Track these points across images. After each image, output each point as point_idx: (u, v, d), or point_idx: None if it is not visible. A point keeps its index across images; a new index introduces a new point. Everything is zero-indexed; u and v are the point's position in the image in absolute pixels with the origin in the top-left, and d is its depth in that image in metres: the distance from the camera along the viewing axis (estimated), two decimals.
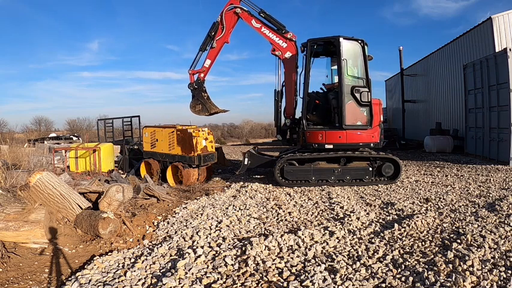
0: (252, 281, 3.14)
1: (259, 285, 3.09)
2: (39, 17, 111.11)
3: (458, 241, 3.81)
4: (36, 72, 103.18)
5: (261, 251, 3.77)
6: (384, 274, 3.16)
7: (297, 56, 8.33)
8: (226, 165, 12.03)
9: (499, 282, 2.88)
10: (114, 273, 3.36)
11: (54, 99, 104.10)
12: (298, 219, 5.24)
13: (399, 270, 3.23)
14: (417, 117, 21.89)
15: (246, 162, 8.42)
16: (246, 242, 3.99)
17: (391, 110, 26.75)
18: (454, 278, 2.91)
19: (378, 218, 5.09)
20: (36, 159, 9.92)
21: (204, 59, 8.84)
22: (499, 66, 10.04)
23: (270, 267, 3.40)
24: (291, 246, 3.95)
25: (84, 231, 4.48)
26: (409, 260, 3.44)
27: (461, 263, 3.22)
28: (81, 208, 4.75)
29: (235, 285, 3.07)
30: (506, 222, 4.46)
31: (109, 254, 3.92)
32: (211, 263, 3.53)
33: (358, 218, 4.95)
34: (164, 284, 3.04)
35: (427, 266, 3.25)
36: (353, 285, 2.98)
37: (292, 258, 3.61)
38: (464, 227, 4.38)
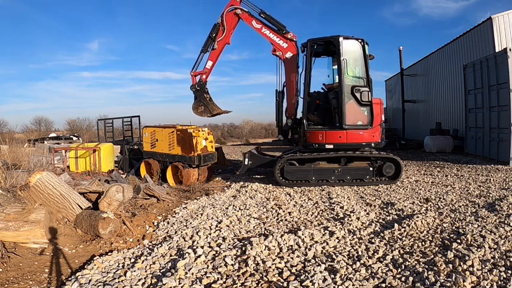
0: (252, 281, 3.14)
1: (259, 285, 3.09)
2: (39, 17, 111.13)
3: (458, 241, 3.81)
4: (36, 72, 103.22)
5: (261, 251, 3.77)
6: (383, 274, 3.16)
7: (297, 56, 8.34)
8: (226, 165, 12.03)
9: (499, 282, 2.88)
10: (114, 273, 3.36)
11: (54, 99, 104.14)
12: (298, 219, 5.24)
13: (399, 270, 3.23)
14: (417, 117, 21.89)
15: (246, 163, 8.43)
16: (246, 242, 4.00)
17: (391, 110, 26.76)
18: (454, 278, 2.91)
19: (378, 218, 5.09)
20: (36, 159, 9.92)
21: (206, 60, 8.87)
22: (499, 66, 10.04)
23: (270, 267, 3.40)
24: (291, 246, 3.95)
25: (84, 231, 4.48)
26: (409, 260, 3.44)
27: (461, 263, 3.22)
28: (81, 208, 4.75)
29: (235, 285, 3.07)
30: (506, 222, 4.46)
31: (109, 254, 3.92)
32: (211, 263, 3.53)
33: (358, 218, 4.95)
34: (164, 284, 3.04)
35: (427, 266, 3.25)
36: (353, 285, 2.98)
37: (292, 258, 3.61)
38: (464, 227, 4.38)
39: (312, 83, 9.01)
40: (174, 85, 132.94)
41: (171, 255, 3.80)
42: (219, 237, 4.35)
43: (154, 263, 3.57)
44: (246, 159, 8.44)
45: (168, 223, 5.14)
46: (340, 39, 7.62)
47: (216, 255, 3.74)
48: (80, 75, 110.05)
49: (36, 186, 4.60)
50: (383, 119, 8.09)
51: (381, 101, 8.06)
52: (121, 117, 14.18)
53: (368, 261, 3.45)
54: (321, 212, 5.61)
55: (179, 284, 3.07)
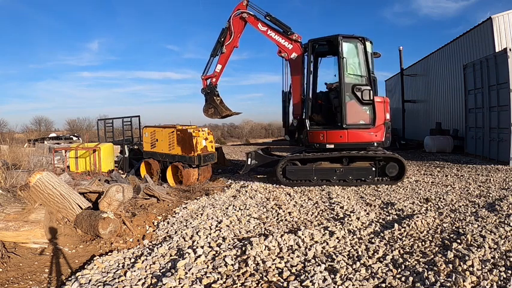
0: (252, 281, 3.14)
1: (259, 285, 3.09)
2: (39, 17, 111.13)
3: (458, 241, 3.81)
4: (36, 72, 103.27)
5: (261, 251, 3.77)
6: (383, 274, 3.16)
7: (302, 57, 8.36)
8: (226, 165, 12.03)
9: (499, 282, 2.88)
10: (114, 273, 3.36)
11: (54, 99, 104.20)
12: (298, 219, 5.24)
13: (399, 270, 3.23)
14: (417, 117, 21.89)
15: (249, 162, 8.46)
16: (246, 242, 4.00)
17: (391, 110, 26.71)
18: (454, 278, 2.91)
19: (377, 218, 5.09)
20: (36, 159, 9.92)
21: (215, 64, 9.04)
22: (499, 66, 10.03)
23: (270, 267, 3.40)
24: (291, 246, 3.95)
25: (84, 231, 4.48)
26: (409, 260, 3.44)
27: (461, 263, 3.22)
28: (81, 208, 4.75)
29: (235, 285, 3.07)
30: (506, 222, 4.46)
31: (109, 254, 3.92)
32: (211, 263, 3.54)
33: (358, 218, 4.95)
34: (164, 284, 3.04)
35: (427, 266, 3.25)
36: (353, 285, 2.98)
37: (292, 258, 3.61)
38: (464, 227, 4.38)
39: (319, 83, 8.98)
40: (174, 85, 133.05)
41: (171, 255, 3.80)
42: (219, 237, 4.35)
43: (154, 263, 3.57)
44: (249, 159, 8.47)
45: (168, 223, 5.14)
46: (339, 38, 7.61)
47: (216, 255, 3.74)
48: (80, 75, 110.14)
49: (36, 186, 4.60)
50: (388, 117, 7.95)
51: (384, 100, 7.97)
52: (121, 117, 14.16)
53: (368, 261, 3.45)
54: (321, 212, 5.61)
55: (179, 284, 3.07)
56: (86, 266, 3.55)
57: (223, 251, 3.82)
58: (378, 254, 3.64)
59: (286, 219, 5.23)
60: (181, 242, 4.24)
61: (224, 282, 3.12)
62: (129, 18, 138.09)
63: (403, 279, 3.04)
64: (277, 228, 4.76)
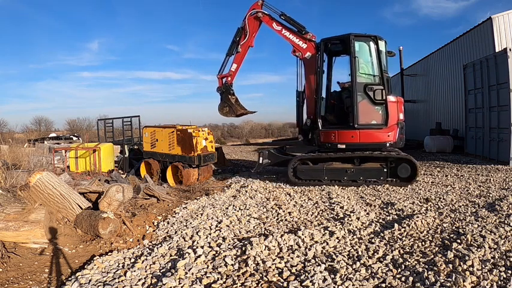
0: (252, 281, 3.14)
1: (259, 285, 3.09)
2: (39, 17, 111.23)
3: (458, 241, 3.81)
4: (36, 72, 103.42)
5: (261, 251, 3.77)
6: (383, 274, 3.16)
7: (317, 56, 8.32)
8: (226, 165, 12.03)
9: (499, 282, 2.88)
10: (114, 273, 3.36)
11: (54, 99, 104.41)
12: (298, 219, 5.24)
13: (399, 270, 3.23)
14: (417, 117, 21.87)
15: (261, 161, 8.48)
16: (246, 242, 3.99)
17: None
18: (454, 278, 2.91)
19: (377, 218, 5.09)
20: (36, 159, 9.92)
21: (231, 63, 9.07)
22: (499, 66, 10.03)
23: (270, 267, 3.40)
24: (291, 246, 3.95)
25: (84, 231, 4.48)
26: (409, 260, 3.44)
27: (461, 263, 3.21)
28: (81, 208, 4.75)
29: (235, 285, 3.07)
30: (506, 222, 4.45)
31: (109, 254, 3.92)
32: (211, 263, 3.53)
33: (358, 218, 4.95)
34: (164, 284, 3.04)
35: (427, 266, 3.25)
36: (353, 285, 2.98)
37: (292, 258, 3.61)
38: (464, 227, 4.38)
39: (334, 82, 8.90)
40: (174, 85, 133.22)
41: (171, 255, 3.80)
42: (219, 237, 4.35)
43: (154, 263, 3.57)
44: (261, 158, 8.47)
45: (168, 223, 5.14)
46: (351, 37, 7.52)
47: (216, 255, 3.74)
48: (80, 75, 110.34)
49: (36, 186, 4.60)
50: (402, 118, 7.83)
51: (398, 100, 7.87)
52: (121, 117, 14.18)
53: (368, 261, 3.45)
54: (321, 212, 5.61)
55: (179, 284, 3.07)
56: (86, 266, 3.55)
57: (223, 251, 3.82)
58: (378, 254, 3.64)
59: (286, 219, 5.23)
60: (181, 242, 4.24)
61: (224, 282, 3.12)
62: (129, 18, 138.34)
63: (403, 279, 3.04)
64: (277, 228, 4.76)
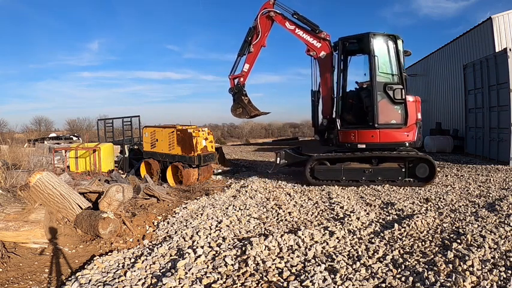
0: (252, 281, 3.14)
1: (259, 285, 3.09)
2: (39, 17, 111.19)
3: (458, 241, 3.81)
4: (37, 72, 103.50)
5: (261, 251, 3.77)
6: (383, 274, 3.16)
7: (332, 55, 8.27)
8: (226, 165, 12.03)
9: (499, 282, 2.88)
10: (114, 273, 3.36)
11: (54, 99, 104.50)
12: (298, 219, 5.24)
13: (399, 270, 3.23)
14: None
15: (278, 161, 8.46)
16: (246, 242, 3.99)
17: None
18: (454, 278, 2.91)
19: (377, 218, 5.09)
20: (36, 159, 9.92)
21: (243, 63, 8.96)
22: (499, 66, 10.03)
23: (270, 267, 3.40)
24: (291, 246, 3.95)
25: (84, 231, 4.48)
26: (409, 260, 3.44)
27: (461, 263, 3.21)
28: (81, 208, 4.75)
29: (235, 285, 3.07)
30: (506, 222, 4.45)
31: (109, 254, 3.92)
32: (211, 263, 3.53)
33: (358, 218, 4.95)
34: (164, 284, 3.04)
35: (427, 266, 3.25)
36: (353, 285, 2.98)
37: (292, 258, 3.61)
38: (464, 227, 4.38)
39: (348, 82, 8.80)
40: (174, 85, 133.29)
41: (171, 255, 3.80)
42: (219, 237, 4.35)
43: (154, 263, 3.57)
44: (278, 158, 8.46)
45: (168, 223, 5.14)
46: (371, 36, 7.47)
47: (216, 255, 3.74)
48: (80, 75, 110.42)
49: (36, 186, 4.60)
50: (419, 117, 7.83)
51: (416, 99, 7.84)
52: (121, 117, 14.17)
53: (368, 261, 3.45)
54: (321, 212, 5.61)
55: (179, 284, 3.07)
56: (86, 266, 3.55)
57: (223, 251, 3.82)
58: (378, 254, 3.64)
59: (286, 219, 5.23)
60: (181, 242, 4.24)
61: (224, 282, 3.12)
62: (129, 18, 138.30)
63: (403, 279, 3.04)
64: (277, 228, 4.76)
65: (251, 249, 3.75)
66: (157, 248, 3.94)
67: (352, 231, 4.46)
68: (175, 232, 4.68)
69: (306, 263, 3.49)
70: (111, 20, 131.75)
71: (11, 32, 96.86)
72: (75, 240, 4.30)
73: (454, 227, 4.42)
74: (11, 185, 5.96)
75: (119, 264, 3.61)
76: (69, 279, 3.28)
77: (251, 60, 8.91)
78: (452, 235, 4.09)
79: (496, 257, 3.35)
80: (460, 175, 8.61)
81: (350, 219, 4.91)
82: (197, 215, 5.48)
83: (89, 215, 4.51)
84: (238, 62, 9.01)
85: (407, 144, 7.66)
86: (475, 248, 3.56)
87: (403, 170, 7.52)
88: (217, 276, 3.23)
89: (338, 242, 4.08)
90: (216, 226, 4.85)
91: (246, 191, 7.35)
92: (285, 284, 3.05)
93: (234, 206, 6.01)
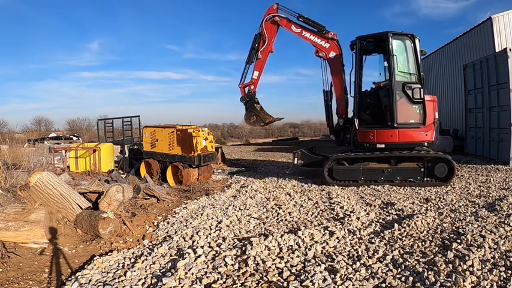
0: (252, 281, 3.14)
1: (259, 285, 3.09)
2: (39, 17, 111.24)
3: (458, 241, 3.81)
4: (37, 72, 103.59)
5: (261, 251, 3.77)
6: (383, 274, 3.16)
7: (341, 55, 8.22)
8: (226, 165, 12.03)
9: (499, 282, 2.88)
10: (114, 273, 3.36)
11: (55, 99, 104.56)
12: (298, 219, 5.24)
13: (399, 270, 3.23)
14: None
15: (296, 162, 8.45)
16: (246, 242, 3.99)
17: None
18: (454, 278, 2.91)
19: (378, 218, 5.09)
20: (36, 159, 9.92)
21: (252, 71, 8.91)
22: (499, 66, 10.03)
23: (270, 267, 3.40)
24: (291, 246, 3.95)
25: (84, 231, 4.48)
26: (409, 260, 3.44)
27: (461, 263, 3.21)
28: (81, 208, 4.74)
29: (235, 285, 3.07)
30: (506, 222, 4.45)
31: (109, 254, 3.92)
32: (211, 263, 3.53)
33: (358, 218, 4.95)
34: (164, 284, 3.04)
35: (427, 266, 3.25)
36: (353, 285, 2.98)
37: (292, 258, 3.61)
38: (464, 227, 4.38)
39: (364, 81, 8.67)
40: (174, 85, 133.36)
41: (171, 255, 3.80)
42: (219, 237, 4.35)
43: (154, 263, 3.57)
44: (296, 159, 8.44)
45: (168, 223, 5.14)
46: (389, 35, 7.42)
47: (216, 255, 3.74)
48: (80, 75, 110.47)
49: (36, 186, 4.60)
50: (437, 117, 7.80)
51: (433, 98, 7.82)
52: (121, 117, 14.18)
53: (368, 261, 3.45)
54: (321, 212, 5.61)
55: (179, 284, 3.07)
56: (86, 266, 3.55)
57: (223, 251, 3.82)
58: (378, 254, 3.64)
59: (286, 219, 5.23)
60: (181, 242, 4.24)
61: (224, 282, 3.12)
62: (129, 19, 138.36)
63: (403, 279, 3.04)
64: (277, 228, 4.76)
65: (251, 249, 3.75)
66: (157, 248, 3.94)
67: (352, 231, 4.46)
68: (175, 232, 4.68)
69: (306, 263, 3.49)
70: (111, 20, 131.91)
71: (11, 32, 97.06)
72: (75, 240, 4.30)
73: (454, 227, 4.42)
74: (11, 185, 5.96)
75: (118, 264, 3.61)
76: (69, 279, 3.28)
77: (260, 67, 8.86)
78: (452, 235, 4.10)
79: (496, 257, 3.35)
80: (460, 175, 8.60)
81: (350, 219, 4.91)
82: (197, 215, 5.48)
83: (89, 215, 4.51)
84: (247, 70, 8.96)
85: (425, 144, 7.64)
86: (475, 248, 3.57)
87: (422, 169, 7.47)
88: (217, 276, 3.23)
89: (338, 242, 4.08)
90: (216, 226, 4.85)
91: (246, 191, 7.35)
92: (285, 284, 3.05)
93: (234, 206, 6.01)
